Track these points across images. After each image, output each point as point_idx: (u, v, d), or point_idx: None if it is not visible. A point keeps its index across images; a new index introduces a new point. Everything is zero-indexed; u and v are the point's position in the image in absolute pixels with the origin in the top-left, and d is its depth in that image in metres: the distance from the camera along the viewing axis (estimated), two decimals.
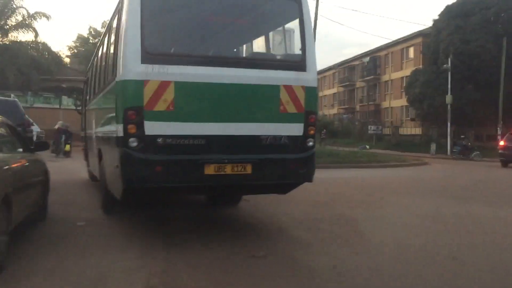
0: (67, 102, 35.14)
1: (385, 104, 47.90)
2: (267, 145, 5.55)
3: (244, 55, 7.01)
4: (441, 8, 37.22)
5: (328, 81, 62.30)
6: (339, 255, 5.08)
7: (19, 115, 11.66)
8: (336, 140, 39.49)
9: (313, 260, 4.91)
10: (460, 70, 31.29)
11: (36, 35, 32.00)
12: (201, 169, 5.24)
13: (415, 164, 20.83)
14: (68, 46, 52.40)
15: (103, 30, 24.03)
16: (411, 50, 43.69)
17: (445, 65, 30.69)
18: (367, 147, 33.38)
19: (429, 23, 39.21)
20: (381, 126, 40.34)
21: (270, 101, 5.60)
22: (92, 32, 47.03)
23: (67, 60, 44.21)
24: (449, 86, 30.25)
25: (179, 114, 5.21)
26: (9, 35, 31.62)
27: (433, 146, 30.89)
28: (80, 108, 13.34)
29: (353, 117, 53.09)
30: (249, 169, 5.41)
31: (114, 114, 5.51)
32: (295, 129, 5.67)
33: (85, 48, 44.16)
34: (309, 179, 5.93)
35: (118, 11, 5.75)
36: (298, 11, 5.84)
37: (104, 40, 7.60)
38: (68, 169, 13.64)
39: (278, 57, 6.46)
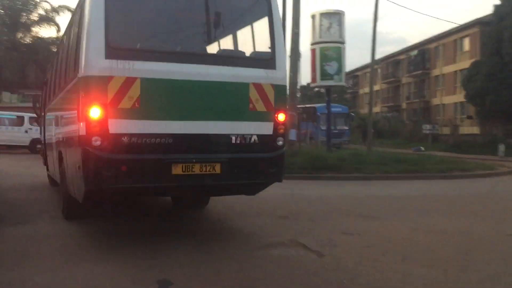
0: None
1: (436, 101, 43.68)
2: (236, 144, 5.51)
3: (213, 52, 6.51)
4: None
5: (368, 78, 58.37)
6: None
7: None
8: (383, 141, 35.87)
9: None
10: None
11: (59, 30, 30.13)
12: (168, 169, 5.15)
13: (508, 172, 16.63)
14: None
15: None
16: (466, 40, 39.40)
17: None
18: (422, 148, 29.58)
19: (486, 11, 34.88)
20: (437, 125, 36.34)
21: (239, 99, 5.57)
22: None
23: None
24: None
25: (145, 111, 5.09)
26: (32, 29, 29.81)
27: (501, 147, 26.91)
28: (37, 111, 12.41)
29: (398, 115, 49.22)
30: (218, 169, 5.37)
31: (76, 113, 5.35)
32: (265, 128, 5.66)
33: None
34: (279, 179, 5.89)
35: (82, 3, 5.56)
36: (267, 8, 5.83)
37: (66, 36, 7.39)
38: None
39: (247, 55, 6.25)
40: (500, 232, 6.68)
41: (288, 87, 16.04)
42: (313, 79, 19.75)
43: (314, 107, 31.39)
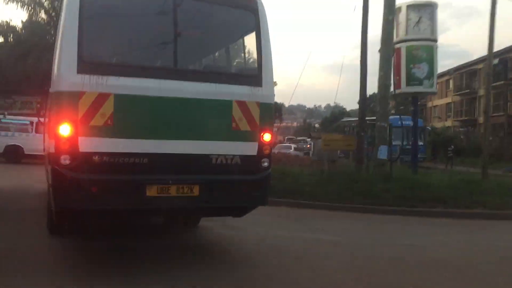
0: None
1: None
2: (217, 165, 5.28)
3: (193, 68, 6.39)
4: None
5: (439, 90, 53.61)
6: None
7: None
8: (463, 159, 31.62)
9: None
10: None
11: None
12: (142, 190, 4.93)
13: None
14: None
15: None
16: None
17: None
18: None
19: None
20: None
21: (221, 118, 5.34)
22: None
23: None
24: None
25: (119, 129, 4.88)
26: None
27: None
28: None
29: (473, 130, 44.28)
30: (196, 191, 5.15)
31: (51, 129, 5.20)
32: (248, 148, 5.43)
33: None
34: (263, 203, 5.64)
35: (60, 15, 5.54)
36: (255, 23, 5.57)
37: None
38: None
39: (232, 71, 6.13)
40: None
41: (378, 90, 12.87)
42: (397, 84, 16.28)
43: None
